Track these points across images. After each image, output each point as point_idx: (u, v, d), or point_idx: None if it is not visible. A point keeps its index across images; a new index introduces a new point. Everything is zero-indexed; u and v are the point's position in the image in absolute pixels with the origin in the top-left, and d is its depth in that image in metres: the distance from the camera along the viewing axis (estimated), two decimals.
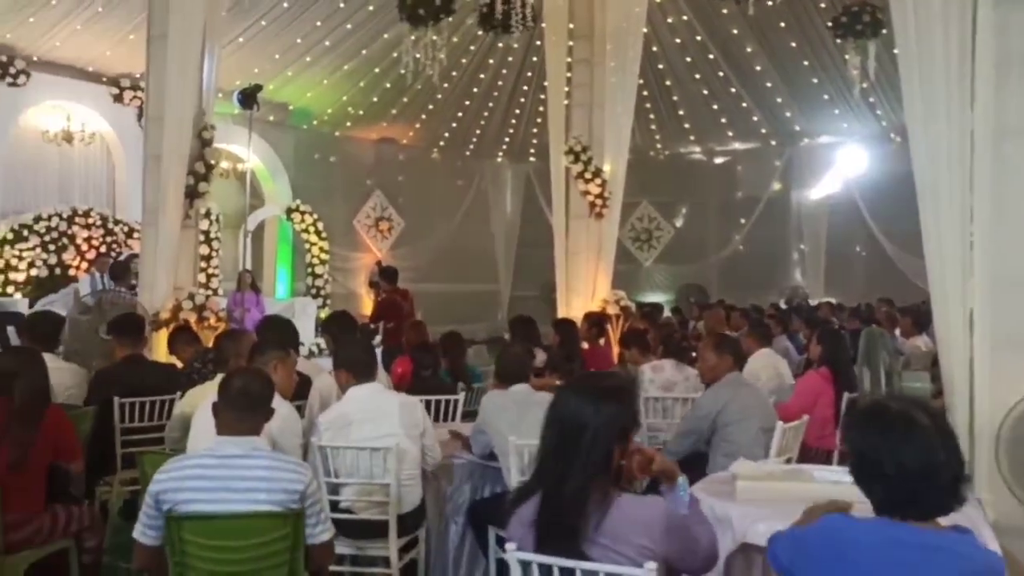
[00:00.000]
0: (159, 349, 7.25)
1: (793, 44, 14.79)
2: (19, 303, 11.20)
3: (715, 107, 17.02)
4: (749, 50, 15.18)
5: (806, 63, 15.21)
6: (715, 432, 4.67)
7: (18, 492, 3.73)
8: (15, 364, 4.01)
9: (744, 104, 16.79)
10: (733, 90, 16.36)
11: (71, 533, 3.98)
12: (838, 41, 11.62)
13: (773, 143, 18.31)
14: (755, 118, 17.27)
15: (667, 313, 13.59)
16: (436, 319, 9.50)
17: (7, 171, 12.27)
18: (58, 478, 4.03)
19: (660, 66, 15.61)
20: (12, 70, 12.03)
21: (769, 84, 16.07)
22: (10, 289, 11.75)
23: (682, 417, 5.41)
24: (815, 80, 15.63)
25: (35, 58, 12.27)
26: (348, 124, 16.77)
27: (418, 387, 5.51)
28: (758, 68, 15.62)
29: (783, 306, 14.73)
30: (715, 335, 5.82)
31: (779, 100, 16.58)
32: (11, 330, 9.55)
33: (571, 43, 10.79)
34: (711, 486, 3.82)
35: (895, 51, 4.88)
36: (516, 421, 4.38)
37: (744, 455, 4.15)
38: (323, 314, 13.71)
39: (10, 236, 11.86)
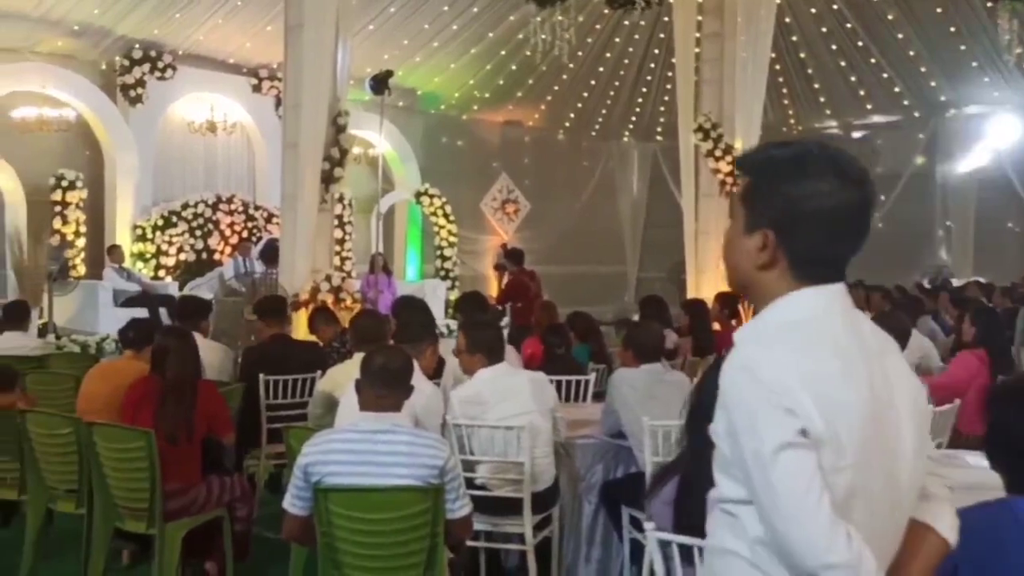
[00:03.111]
0: (299, 329, 7.52)
1: (939, 10, 14.01)
2: (170, 286, 11.84)
3: (853, 79, 16.30)
4: (891, 17, 14.46)
5: (952, 29, 14.38)
6: None
7: (176, 464, 3.93)
8: (168, 342, 4.24)
9: (885, 75, 16.03)
10: (873, 60, 15.63)
11: (224, 503, 4.17)
12: (989, 4, 10.92)
13: (916, 115, 17.40)
14: (896, 89, 16.46)
15: None
16: (562, 301, 9.47)
17: (158, 162, 12.96)
18: (212, 450, 4.24)
19: (794, 38, 15.06)
20: (160, 64, 12.68)
21: (912, 53, 15.27)
22: (161, 273, 12.44)
23: None
24: (963, 47, 14.76)
25: (180, 52, 12.88)
26: (475, 107, 16.92)
27: (551, 367, 5.51)
28: (900, 36, 14.87)
29: (927, 286, 14.03)
30: (876, 311, 5.59)
31: (923, 69, 15.74)
32: (163, 311, 10.14)
33: (700, 18, 10.56)
34: None
35: None
36: (644, 400, 4.34)
37: None
38: (452, 296, 13.93)
39: (161, 223, 12.54)
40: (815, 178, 1.44)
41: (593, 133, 18.86)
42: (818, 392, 1.35)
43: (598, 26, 14.77)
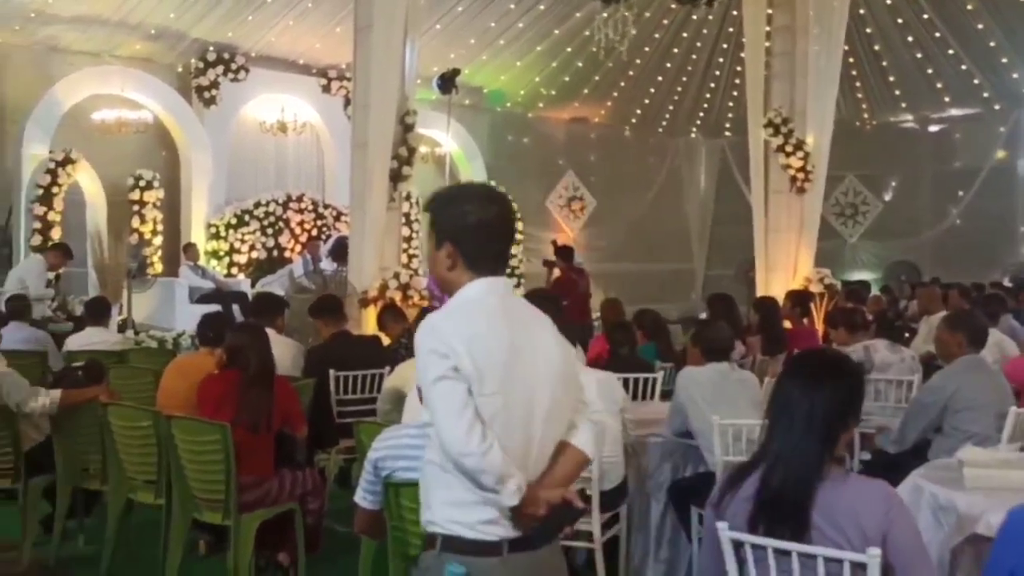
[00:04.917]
0: (369, 326, 7.62)
1: None
2: (242, 283, 12.10)
3: (930, 71, 15.86)
4: (970, 7, 14.02)
5: None
6: (945, 419, 4.34)
7: (251, 457, 4.02)
8: (244, 338, 4.34)
9: (963, 66, 15.54)
10: (951, 52, 15.17)
11: (296, 496, 4.25)
12: None
13: (996, 107, 16.85)
14: (976, 81, 15.95)
15: (874, 292, 12.87)
16: (628, 298, 9.41)
17: (231, 162, 13.25)
18: (285, 444, 4.32)
19: (868, 30, 14.71)
20: (234, 66, 12.97)
21: (992, 43, 14.79)
22: (234, 271, 12.72)
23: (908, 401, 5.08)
24: None
25: (253, 54, 13.15)
26: (540, 105, 16.91)
27: (616, 365, 5.47)
28: (979, 26, 14.41)
29: (1007, 284, 13.58)
30: (954, 310, 5.42)
31: (1004, 60, 15.24)
32: (236, 308, 10.36)
33: (770, 11, 10.37)
34: (934, 472, 3.58)
35: None
36: (712, 399, 4.29)
37: (980, 444, 3.86)
38: (518, 293, 13.93)
39: (234, 221, 12.83)
40: (466, 203, 2.13)
41: (660, 129, 18.69)
42: (471, 344, 1.97)
43: (665, 21, 14.63)
